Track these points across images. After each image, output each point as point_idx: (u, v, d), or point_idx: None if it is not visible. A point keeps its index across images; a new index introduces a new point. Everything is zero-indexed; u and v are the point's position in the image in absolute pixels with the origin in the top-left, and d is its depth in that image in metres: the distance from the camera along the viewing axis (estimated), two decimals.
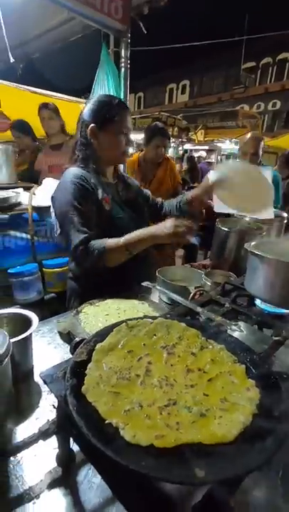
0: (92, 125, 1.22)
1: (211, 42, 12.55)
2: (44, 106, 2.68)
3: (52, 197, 1.31)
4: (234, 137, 8.69)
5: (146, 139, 2.41)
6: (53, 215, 1.87)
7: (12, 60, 2.61)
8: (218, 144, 9.37)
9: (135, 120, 9.87)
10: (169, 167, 2.58)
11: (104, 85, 2.37)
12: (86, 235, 1.13)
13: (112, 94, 2.39)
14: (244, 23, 15.76)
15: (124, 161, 1.54)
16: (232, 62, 18.82)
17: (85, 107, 1.29)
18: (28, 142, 3.25)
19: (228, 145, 9.24)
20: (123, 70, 2.29)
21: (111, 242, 1.12)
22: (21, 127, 3.21)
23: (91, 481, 0.57)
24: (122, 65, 2.28)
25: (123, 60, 2.26)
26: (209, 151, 9.46)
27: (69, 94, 3.65)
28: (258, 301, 0.99)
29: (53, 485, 0.56)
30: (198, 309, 0.88)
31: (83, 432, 0.39)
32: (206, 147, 9.51)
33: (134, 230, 1.15)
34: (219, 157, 9.64)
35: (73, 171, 1.22)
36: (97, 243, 1.12)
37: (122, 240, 1.11)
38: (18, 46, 2.92)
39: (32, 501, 0.53)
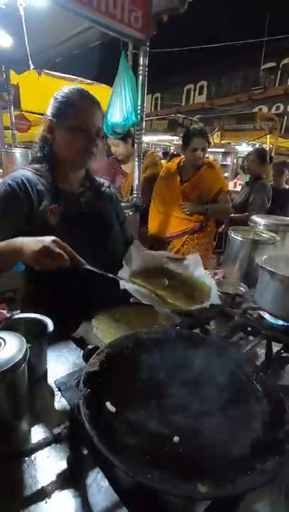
0: (48, 118, 1.09)
1: (231, 44, 12.42)
2: None
3: None
4: (251, 140, 8.56)
5: (184, 142, 2.32)
6: None
7: (32, 67, 2.69)
8: (235, 147, 9.28)
9: (151, 122, 9.90)
10: (209, 173, 2.37)
11: (122, 93, 2.40)
12: None
13: (128, 101, 2.40)
14: (265, 23, 15.53)
15: (84, 165, 1.19)
16: (251, 62, 18.55)
17: None
18: None
19: (244, 147, 9.12)
20: (141, 77, 2.30)
21: None
22: None
23: (99, 485, 0.60)
24: (140, 72, 2.29)
25: (141, 67, 2.28)
26: (225, 154, 9.39)
27: None
28: (267, 315, 1.00)
29: (63, 486, 0.59)
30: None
31: (94, 443, 0.42)
32: (222, 150, 9.43)
33: (86, 251, 0.94)
34: (235, 160, 9.54)
35: (18, 172, 1.08)
36: None
37: None
38: (39, 53, 3.00)
39: (44, 501, 0.57)
